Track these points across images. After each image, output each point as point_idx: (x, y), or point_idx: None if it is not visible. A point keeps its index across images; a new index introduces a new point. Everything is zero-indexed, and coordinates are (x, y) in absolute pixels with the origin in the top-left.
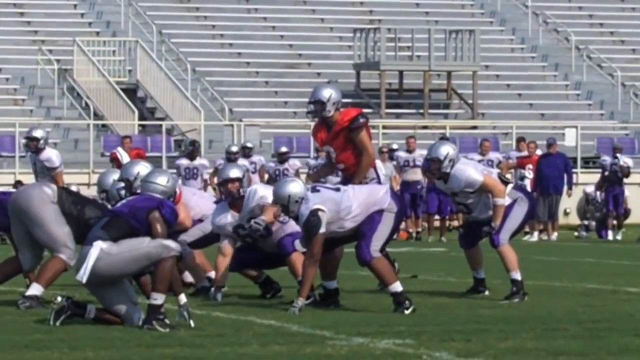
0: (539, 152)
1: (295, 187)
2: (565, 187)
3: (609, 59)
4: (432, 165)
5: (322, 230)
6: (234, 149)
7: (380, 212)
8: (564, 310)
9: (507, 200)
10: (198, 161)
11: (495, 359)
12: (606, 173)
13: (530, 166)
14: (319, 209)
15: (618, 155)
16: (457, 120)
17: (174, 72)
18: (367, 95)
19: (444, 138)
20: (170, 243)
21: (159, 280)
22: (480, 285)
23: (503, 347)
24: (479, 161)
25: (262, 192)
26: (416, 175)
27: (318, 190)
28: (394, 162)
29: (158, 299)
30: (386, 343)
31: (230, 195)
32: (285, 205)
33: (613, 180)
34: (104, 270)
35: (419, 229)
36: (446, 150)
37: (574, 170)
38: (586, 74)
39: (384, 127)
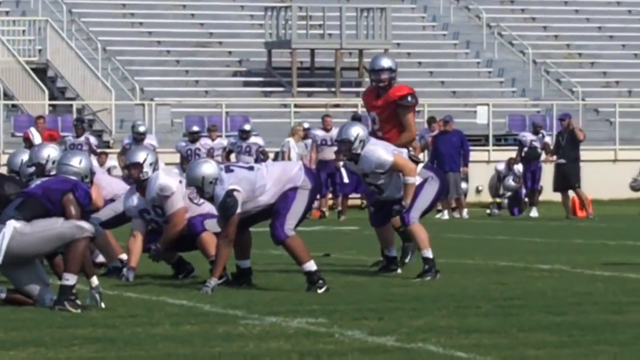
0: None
1: (208, 168)
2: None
3: (521, 36)
4: (343, 147)
5: (238, 210)
6: (141, 129)
7: (294, 190)
8: (476, 288)
9: (417, 179)
10: (83, 138)
11: (408, 337)
12: (525, 149)
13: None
14: (234, 189)
15: (543, 132)
16: None
17: (85, 51)
18: (279, 73)
19: (355, 117)
20: (84, 224)
21: (72, 261)
22: (392, 263)
23: (415, 325)
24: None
25: (163, 181)
26: (332, 154)
27: (232, 170)
28: (309, 141)
29: (70, 279)
30: (299, 322)
31: (133, 179)
32: (199, 186)
33: (531, 157)
34: (17, 250)
35: (339, 208)
36: (356, 131)
37: (486, 147)
38: (498, 52)
39: (296, 106)
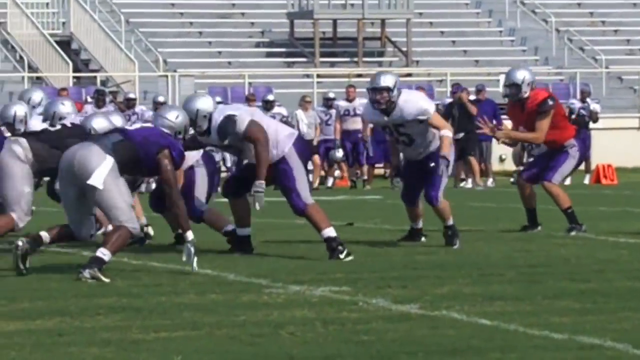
0: (472, 97)
1: (203, 102)
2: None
3: (543, 4)
4: (380, 95)
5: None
6: (161, 99)
7: (285, 162)
8: (499, 256)
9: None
10: (105, 109)
11: (432, 305)
12: (573, 116)
13: None
14: (233, 114)
15: (588, 99)
16: (391, 68)
17: (108, 23)
18: (301, 44)
19: None
20: (137, 224)
21: (114, 243)
22: (415, 235)
23: (439, 292)
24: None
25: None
26: (356, 124)
27: (230, 105)
28: (333, 111)
29: (106, 255)
30: (322, 290)
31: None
32: (193, 119)
33: (580, 124)
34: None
35: (365, 177)
36: (393, 79)
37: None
38: (520, 20)
39: (319, 76)
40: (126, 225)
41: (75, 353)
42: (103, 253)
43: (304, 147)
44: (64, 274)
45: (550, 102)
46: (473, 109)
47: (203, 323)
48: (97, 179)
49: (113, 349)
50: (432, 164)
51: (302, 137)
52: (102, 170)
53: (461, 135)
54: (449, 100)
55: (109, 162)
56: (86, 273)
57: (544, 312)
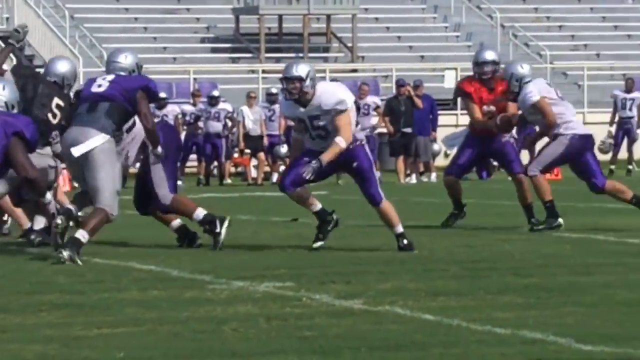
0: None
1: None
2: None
3: (488, 0)
4: (292, 85)
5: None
6: None
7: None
8: (443, 251)
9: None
10: None
11: (375, 300)
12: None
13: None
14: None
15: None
16: (337, 64)
17: (52, 19)
18: (247, 40)
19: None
20: (116, 211)
21: (94, 227)
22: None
23: (383, 288)
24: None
25: None
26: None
27: None
28: (277, 106)
29: (85, 238)
30: (266, 286)
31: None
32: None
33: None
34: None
35: None
36: (306, 69)
37: (453, 111)
38: (465, 16)
39: (264, 72)
40: (106, 209)
41: (17, 350)
42: (83, 236)
43: (171, 136)
44: (4, 270)
45: None
46: (419, 103)
47: (146, 319)
48: (77, 150)
49: (55, 346)
50: (355, 164)
51: (170, 125)
52: (89, 144)
53: (409, 130)
54: (392, 95)
55: (100, 139)
56: (65, 254)
57: (487, 307)
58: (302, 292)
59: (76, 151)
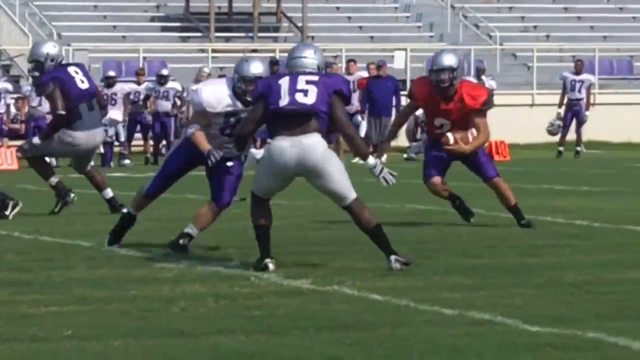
0: (364, 73)
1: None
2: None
3: None
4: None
5: None
6: None
7: None
8: (391, 232)
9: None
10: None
11: (323, 280)
12: None
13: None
14: None
15: (483, 76)
16: (286, 44)
17: None
18: (196, 19)
19: (273, 61)
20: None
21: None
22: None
23: (331, 268)
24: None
25: None
26: None
27: None
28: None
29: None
30: (214, 265)
31: None
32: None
33: None
34: None
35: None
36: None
37: (402, 92)
38: None
39: (214, 51)
40: None
41: None
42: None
43: None
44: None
45: (491, 99)
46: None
47: (93, 298)
48: None
49: (3, 324)
50: (230, 164)
51: None
52: None
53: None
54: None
55: None
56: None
57: (435, 287)
58: (250, 271)
59: None
